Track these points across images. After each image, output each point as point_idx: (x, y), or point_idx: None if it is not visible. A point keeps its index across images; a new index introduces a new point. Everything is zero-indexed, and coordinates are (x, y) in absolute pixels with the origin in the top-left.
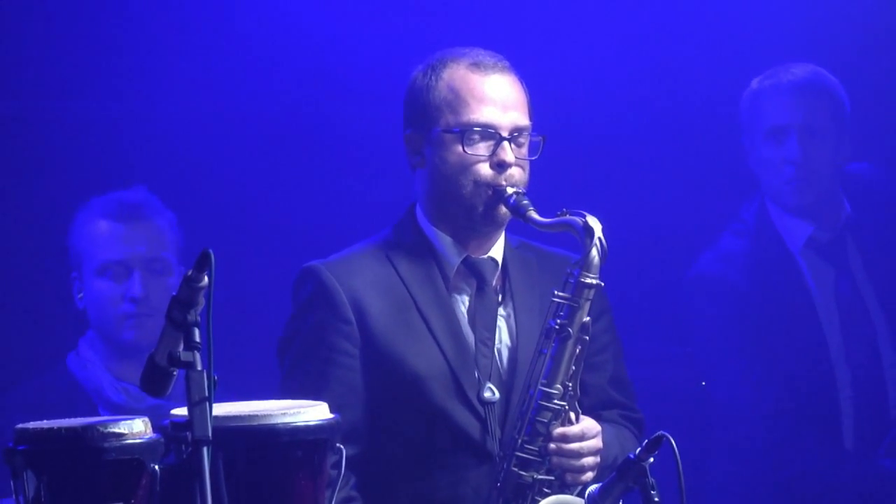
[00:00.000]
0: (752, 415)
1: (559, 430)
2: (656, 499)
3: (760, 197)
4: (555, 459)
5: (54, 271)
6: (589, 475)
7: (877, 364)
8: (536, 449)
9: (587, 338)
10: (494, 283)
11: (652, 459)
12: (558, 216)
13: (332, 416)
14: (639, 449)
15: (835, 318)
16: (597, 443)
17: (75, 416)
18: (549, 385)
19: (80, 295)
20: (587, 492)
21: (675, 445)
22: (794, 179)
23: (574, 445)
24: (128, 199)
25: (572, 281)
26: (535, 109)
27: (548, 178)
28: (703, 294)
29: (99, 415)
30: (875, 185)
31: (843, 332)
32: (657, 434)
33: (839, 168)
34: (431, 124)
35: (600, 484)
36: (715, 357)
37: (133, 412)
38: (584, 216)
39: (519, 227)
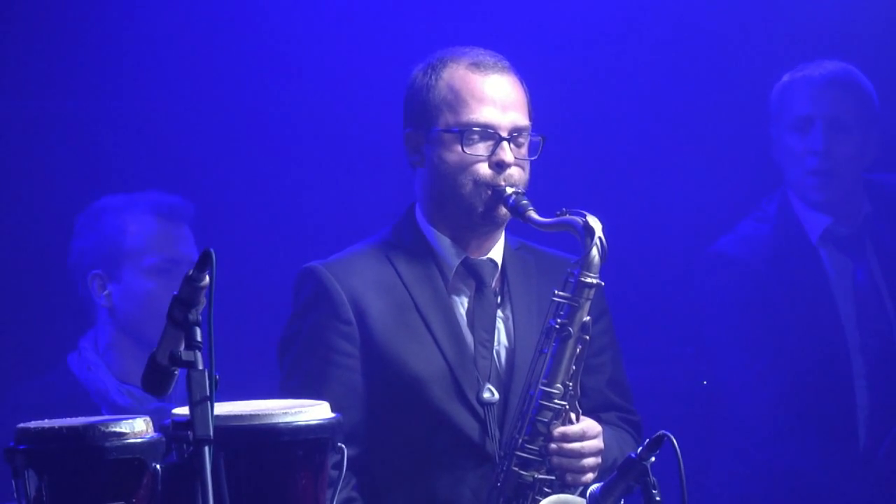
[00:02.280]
0: (757, 401)
1: (560, 430)
2: (658, 498)
3: (783, 190)
4: (555, 459)
5: (54, 271)
6: (590, 475)
7: (892, 357)
8: (537, 448)
9: (588, 337)
10: (493, 284)
11: (653, 458)
12: (558, 216)
13: (333, 415)
14: (640, 448)
15: (851, 307)
16: (598, 443)
17: (77, 417)
18: (550, 384)
19: (107, 292)
20: (588, 491)
21: (676, 445)
22: (816, 171)
23: (575, 445)
24: (171, 200)
25: (573, 280)
26: (538, 109)
27: (550, 178)
28: (718, 273)
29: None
30: None
31: (858, 323)
32: (658, 433)
33: (863, 167)
34: (431, 124)
35: (602, 483)
36: (723, 342)
37: (138, 414)
38: (585, 216)
39: (519, 228)
